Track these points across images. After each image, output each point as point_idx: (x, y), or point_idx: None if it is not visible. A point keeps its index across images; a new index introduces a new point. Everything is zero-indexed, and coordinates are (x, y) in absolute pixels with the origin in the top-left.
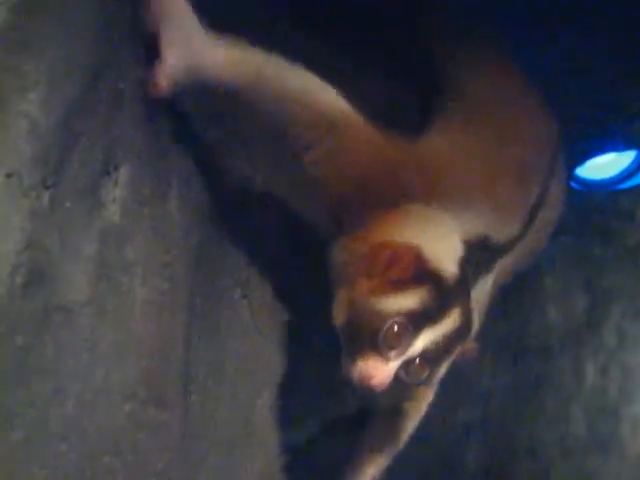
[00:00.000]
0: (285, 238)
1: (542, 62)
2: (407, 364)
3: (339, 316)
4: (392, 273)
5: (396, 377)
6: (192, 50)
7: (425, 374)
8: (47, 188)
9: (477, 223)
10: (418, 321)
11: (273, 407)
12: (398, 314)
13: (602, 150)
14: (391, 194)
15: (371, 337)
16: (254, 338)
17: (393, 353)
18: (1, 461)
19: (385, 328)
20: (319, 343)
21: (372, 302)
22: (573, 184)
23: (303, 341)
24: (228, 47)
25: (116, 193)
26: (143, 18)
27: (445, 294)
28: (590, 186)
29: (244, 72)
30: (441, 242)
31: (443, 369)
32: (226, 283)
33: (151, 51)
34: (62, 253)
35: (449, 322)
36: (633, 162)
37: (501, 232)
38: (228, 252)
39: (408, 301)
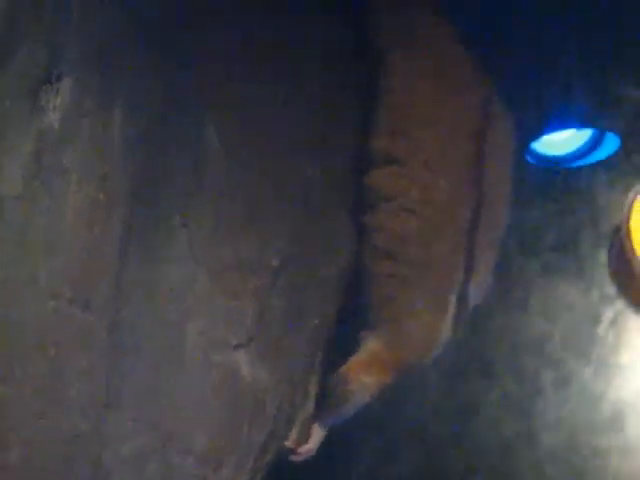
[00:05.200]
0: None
1: (501, 34)
2: None
3: None
4: None
5: None
6: None
7: None
8: None
9: None
10: None
11: (204, 333)
12: None
13: (559, 126)
14: None
15: None
16: (189, 265)
17: None
18: None
19: None
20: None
21: None
22: (528, 158)
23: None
24: None
25: (57, 102)
26: None
27: None
28: (545, 161)
29: None
30: None
31: None
32: (166, 209)
33: None
34: None
35: None
36: (589, 140)
37: None
38: (171, 179)
39: None
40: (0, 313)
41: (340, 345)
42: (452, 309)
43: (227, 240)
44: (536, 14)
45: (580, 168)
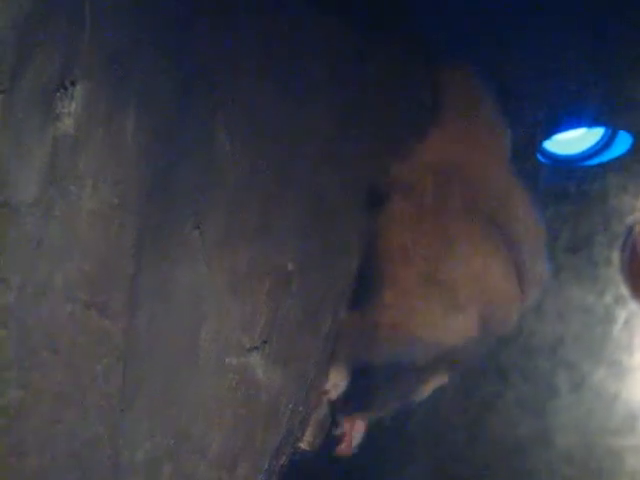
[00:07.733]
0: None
1: (516, 36)
2: None
3: None
4: None
5: None
6: None
7: None
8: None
9: None
10: None
11: (218, 336)
12: None
13: (571, 125)
14: None
15: None
16: (202, 268)
17: None
18: None
19: None
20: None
21: None
22: (540, 157)
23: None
24: None
25: (71, 108)
26: None
27: None
28: (557, 160)
29: None
30: None
31: None
32: (179, 212)
33: None
34: (13, 153)
35: None
36: (601, 139)
37: None
38: (183, 182)
39: None
40: (17, 318)
41: None
42: None
43: (240, 242)
44: (549, 14)
45: (593, 169)
